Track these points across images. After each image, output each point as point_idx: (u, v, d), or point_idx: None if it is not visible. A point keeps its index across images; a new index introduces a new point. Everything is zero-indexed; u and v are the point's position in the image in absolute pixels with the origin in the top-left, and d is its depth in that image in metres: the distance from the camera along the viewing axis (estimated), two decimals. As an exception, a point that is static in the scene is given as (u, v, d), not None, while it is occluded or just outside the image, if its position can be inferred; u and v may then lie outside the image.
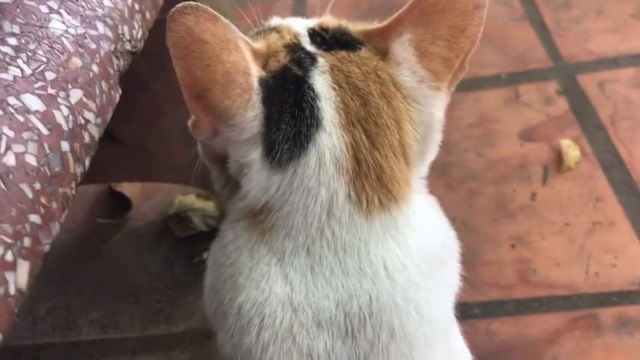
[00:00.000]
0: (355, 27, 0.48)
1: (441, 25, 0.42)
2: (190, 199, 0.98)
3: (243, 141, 0.41)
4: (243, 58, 0.40)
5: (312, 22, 0.49)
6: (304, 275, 0.41)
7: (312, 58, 0.43)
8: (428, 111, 0.44)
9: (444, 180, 0.99)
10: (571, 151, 0.97)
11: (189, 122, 0.43)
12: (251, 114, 0.41)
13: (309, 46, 0.45)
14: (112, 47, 0.46)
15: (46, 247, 0.36)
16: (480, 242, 0.88)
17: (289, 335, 0.41)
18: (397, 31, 0.43)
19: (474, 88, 1.13)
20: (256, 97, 0.41)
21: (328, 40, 0.45)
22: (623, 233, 0.86)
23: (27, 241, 0.34)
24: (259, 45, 0.44)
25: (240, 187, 0.43)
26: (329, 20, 0.49)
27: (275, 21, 0.50)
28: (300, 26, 0.47)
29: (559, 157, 0.98)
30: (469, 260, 0.84)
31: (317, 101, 0.41)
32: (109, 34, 0.46)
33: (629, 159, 0.95)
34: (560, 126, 1.03)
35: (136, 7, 0.50)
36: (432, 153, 0.47)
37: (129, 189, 1.03)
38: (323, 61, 0.43)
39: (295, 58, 0.43)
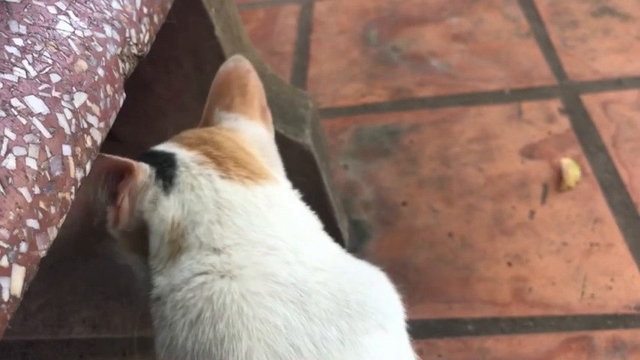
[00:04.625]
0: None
1: (231, 89, 0.58)
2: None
3: None
4: None
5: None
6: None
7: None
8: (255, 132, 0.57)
9: (443, 194, 0.98)
10: (571, 170, 0.97)
11: None
12: None
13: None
14: (119, 50, 0.45)
15: (43, 253, 0.35)
16: (477, 259, 0.88)
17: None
18: (212, 114, 0.58)
19: (476, 103, 1.12)
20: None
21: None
22: (621, 256, 0.86)
23: (23, 247, 0.34)
24: None
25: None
26: None
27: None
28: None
29: (559, 176, 0.98)
30: (465, 276, 0.84)
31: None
32: (117, 37, 0.45)
33: (629, 181, 0.95)
34: (562, 145, 1.03)
35: (145, 10, 0.49)
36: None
37: (127, 188, 1.02)
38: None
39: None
